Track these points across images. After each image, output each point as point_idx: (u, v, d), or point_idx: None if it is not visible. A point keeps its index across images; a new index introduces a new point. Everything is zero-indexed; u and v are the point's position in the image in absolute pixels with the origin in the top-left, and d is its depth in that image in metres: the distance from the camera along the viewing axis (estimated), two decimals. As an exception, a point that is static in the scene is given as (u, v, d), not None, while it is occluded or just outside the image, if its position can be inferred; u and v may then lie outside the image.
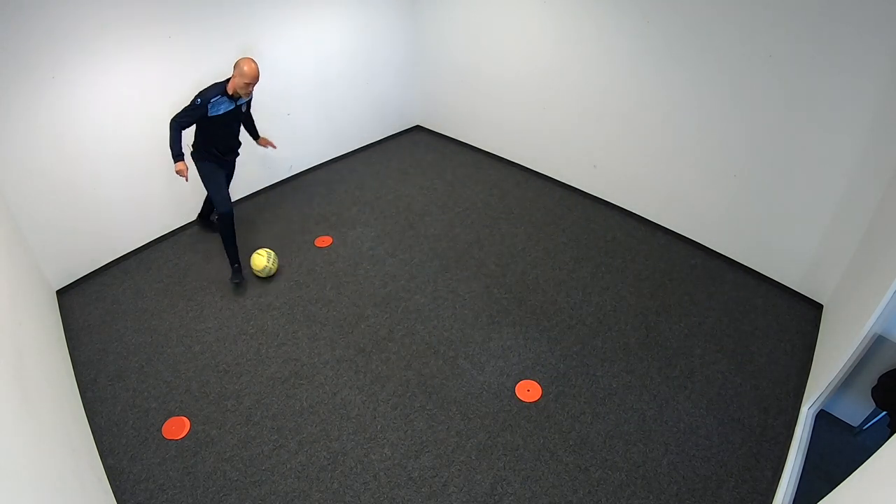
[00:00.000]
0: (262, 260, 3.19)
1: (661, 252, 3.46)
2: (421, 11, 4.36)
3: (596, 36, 3.38)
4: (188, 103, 2.79)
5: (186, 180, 2.90)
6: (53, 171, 2.86)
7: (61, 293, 3.15)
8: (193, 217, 3.71)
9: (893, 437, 1.34)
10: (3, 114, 2.58)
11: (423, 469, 2.24)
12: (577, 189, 4.05)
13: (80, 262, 3.21)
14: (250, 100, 3.10)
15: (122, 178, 3.17)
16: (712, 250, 3.44)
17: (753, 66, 2.76)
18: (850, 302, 2.51)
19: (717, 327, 2.91)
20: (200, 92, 2.80)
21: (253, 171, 3.94)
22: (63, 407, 2.17)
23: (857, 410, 2.40)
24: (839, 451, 2.33)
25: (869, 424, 2.37)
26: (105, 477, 2.17)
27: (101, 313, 3.00)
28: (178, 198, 3.54)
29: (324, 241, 3.56)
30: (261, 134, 3.39)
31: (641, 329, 2.89)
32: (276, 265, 3.25)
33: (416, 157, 4.59)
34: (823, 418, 2.47)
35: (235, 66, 2.79)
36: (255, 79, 2.79)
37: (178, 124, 2.81)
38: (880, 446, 1.38)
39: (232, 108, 2.91)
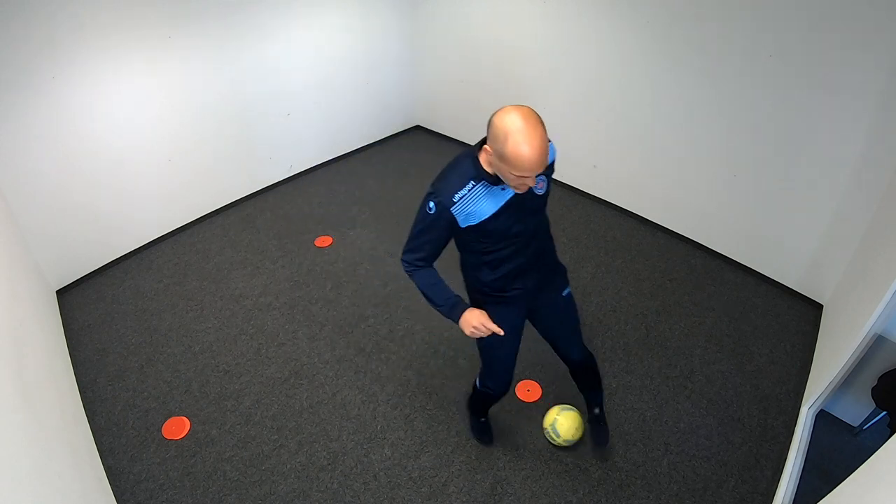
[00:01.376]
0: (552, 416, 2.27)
1: (661, 252, 3.46)
2: (421, 11, 4.36)
3: (596, 36, 3.38)
4: (417, 215, 1.54)
5: (503, 332, 1.60)
6: (53, 172, 2.86)
7: (61, 293, 3.15)
8: (196, 217, 3.71)
9: (893, 437, 1.34)
10: (3, 114, 2.58)
11: (423, 469, 2.24)
12: (577, 189, 4.05)
13: (80, 262, 3.21)
14: (553, 160, 1.72)
15: (121, 178, 3.16)
16: (712, 250, 3.44)
17: (754, 66, 2.76)
18: (850, 302, 2.51)
19: (717, 327, 2.91)
20: (432, 186, 1.50)
21: (253, 171, 3.95)
22: (63, 407, 2.17)
23: (857, 410, 2.39)
24: (839, 451, 2.33)
25: (869, 424, 2.37)
26: (105, 477, 2.17)
27: (101, 313, 3.00)
28: (177, 197, 3.54)
29: (324, 241, 3.56)
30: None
31: (641, 329, 2.89)
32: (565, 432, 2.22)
33: (416, 157, 4.59)
34: (823, 418, 2.46)
35: (492, 131, 1.33)
36: (538, 168, 1.32)
37: (412, 265, 1.60)
38: (880, 446, 1.38)
39: (508, 198, 1.51)
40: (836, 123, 2.59)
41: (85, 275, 3.24)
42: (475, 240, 1.58)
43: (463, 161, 1.50)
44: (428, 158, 4.55)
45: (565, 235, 3.60)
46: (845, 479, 1.44)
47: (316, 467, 2.24)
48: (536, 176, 1.37)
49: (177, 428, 2.39)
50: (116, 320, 2.95)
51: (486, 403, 2.16)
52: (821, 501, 1.52)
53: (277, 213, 3.84)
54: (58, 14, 2.59)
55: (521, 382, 2.59)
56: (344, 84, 4.21)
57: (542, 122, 1.33)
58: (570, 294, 1.89)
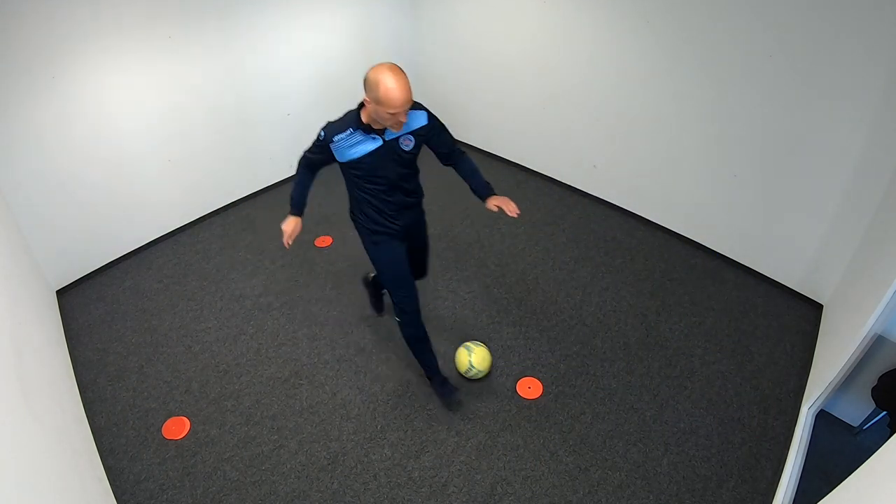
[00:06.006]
0: (464, 357, 2.54)
1: (661, 252, 3.46)
2: (421, 12, 4.36)
3: (596, 36, 3.38)
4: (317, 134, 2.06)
5: (286, 246, 2.19)
6: (53, 171, 2.86)
7: (61, 293, 3.15)
8: (196, 217, 3.70)
9: (893, 437, 1.34)
10: (3, 114, 2.58)
11: (423, 469, 2.24)
12: (577, 189, 4.05)
13: (80, 262, 3.21)
14: (431, 125, 2.06)
15: (121, 178, 3.16)
16: (712, 250, 3.43)
17: (754, 66, 2.76)
18: (850, 302, 2.51)
19: (717, 327, 2.91)
20: (326, 124, 2.01)
21: (253, 171, 3.94)
22: (63, 407, 2.17)
23: (857, 410, 2.39)
24: (839, 451, 2.33)
25: (869, 424, 2.37)
26: (105, 477, 2.18)
27: (101, 313, 3.00)
28: (177, 198, 3.54)
29: (324, 241, 3.56)
30: (480, 187, 2.20)
31: (641, 329, 2.89)
32: (484, 364, 2.53)
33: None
34: (823, 418, 2.46)
35: (367, 83, 1.77)
36: (405, 104, 1.76)
37: (302, 159, 2.15)
38: (880, 446, 1.38)
39: (378, 146, 1.94)
40: (836, 123, 2.59)
41: (85, 275, 3.24)
42: (355, 174, 2.04)
43: (348, 115, 2.00)
44: (428, 158, 4.54)
45: (565, 235, 3.60)
46: (845, 479, 1.44)
47: (316, 467, 2.24)
48: (400, 140, 1.98)
49: (177, 428, 2.39)
50: (116, 320, 2.95)
51: (415, 326, 2.36)
52: (821, 501, 1.52)
53: (277, 213, 3.83)
54: (58, 14, 2.59)
55: (523, 380, 2.59)
56: (344, 84, 4.20)
57: (404, 72, 1.78)
58: (427, 243, 2.47)
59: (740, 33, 2.75)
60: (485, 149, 4.59)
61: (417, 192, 2.22)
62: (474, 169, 2.24)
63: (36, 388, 1.90)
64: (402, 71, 1.78)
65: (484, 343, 2.64)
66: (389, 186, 2.07)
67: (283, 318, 2.97)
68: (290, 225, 2.20)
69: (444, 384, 2.47)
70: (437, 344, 2.80)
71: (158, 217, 3.50)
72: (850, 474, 1.42)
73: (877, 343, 2.15)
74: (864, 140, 2.53)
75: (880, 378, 2.21)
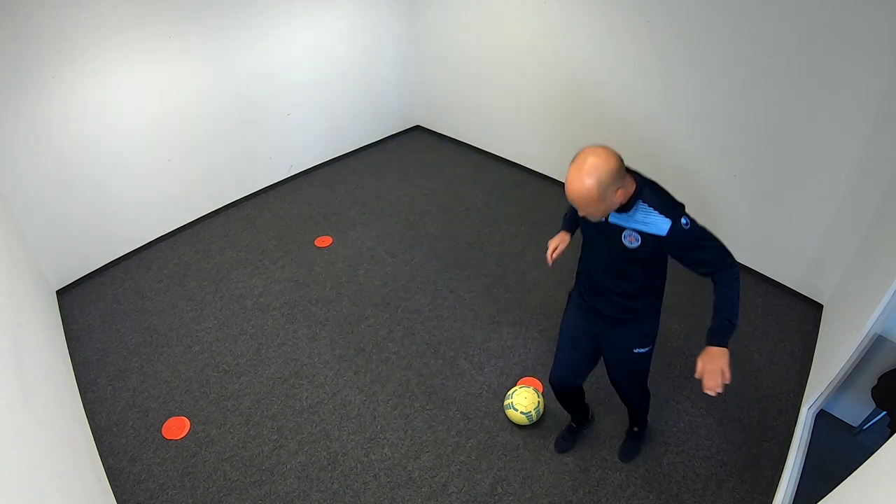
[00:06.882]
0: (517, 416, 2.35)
1: (661, 252, 3.45)
2: (421, 12, 4.36)
3: (596, 37, 3.38)
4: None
5: (549, 261, 1.93)
6: (54, 171, 2.86)
7: (61, 293, 3.15)
8: (196, 217, 3.70)
9: (893, 437, 1.34)
10: (4, 114, 2.58)
11: (423, 469, 2.24)
12: (577, 189, 4.05)
13: (80, 262, 3.21)
14: (670, 240, 1.59)
15: (122, 178, 3.17)
16: (712, 250, 3.43)
17: (753, 66, 2.76)
18: (850, 302, 2.51)
19: (717, 327, 2.90)
20: None
21: (253, 171, 3.95)
22: (63, 407, 2.17)
23: (857, 410, 2.39)
24: (839, 451, 2.33)
25: (869, 424, 2.37)
26: (105, 477, 2.18)
27: (101, 313, 3.00)
28: (177, 198, 3.54)
29: (324, 241, 3.56)
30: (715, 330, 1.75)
31: (641, 329, 2.89)
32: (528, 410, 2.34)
33: (416, 157, 4.59)
34: (823, 418, 2.46)
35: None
36: (577, 205, 1.49)
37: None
38: (880, 446, 1.38)
39: (598, 220, 1.59)
40: (836, 123, 2.59)
41: (85, 275, 3.24)
42: (584, 233, 1.78)
43: None
44: (428, 158, 4.55)
45: (565, 235, 3.60)
46: (845, 479, 1.43)
47: (316, 467, 2.24)
48: (624, 232, 1.59)
49: (177, 428, 2.40)
50: (116, 320, 2.95)
51: (562, 395, 2.15)
52: (821, 501, 1.52)
53: (277, 213, 3.84)
54: (58, 14, 2.59)
55: (523, 380, 2.59)
56: (344, 84, 4.21)
57: (595, 172, 1.41)
58: (637, 354, 1.88)
59: (740, 33, 2.75)
60: (485, 149, 4.59)
61: (633, 296, 1.75)
62: (727, 297, 1.77)
63: (36, 388, 1.90)
64: (593, 168, 1.40)
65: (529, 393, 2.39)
66: (594, 265, 1.79)
67: (283, 318, 2.97)
68: (557, 239, 1.95)
69: (571, 432, 2.33)
70: (437, 346, 2.80)
71: (158, 217, 3.50)
72: (850, 474, 1.42)
73: (877, 343, 2.14)
74: (864, 140, 2.53)
75: (880, 378, 2.21)
